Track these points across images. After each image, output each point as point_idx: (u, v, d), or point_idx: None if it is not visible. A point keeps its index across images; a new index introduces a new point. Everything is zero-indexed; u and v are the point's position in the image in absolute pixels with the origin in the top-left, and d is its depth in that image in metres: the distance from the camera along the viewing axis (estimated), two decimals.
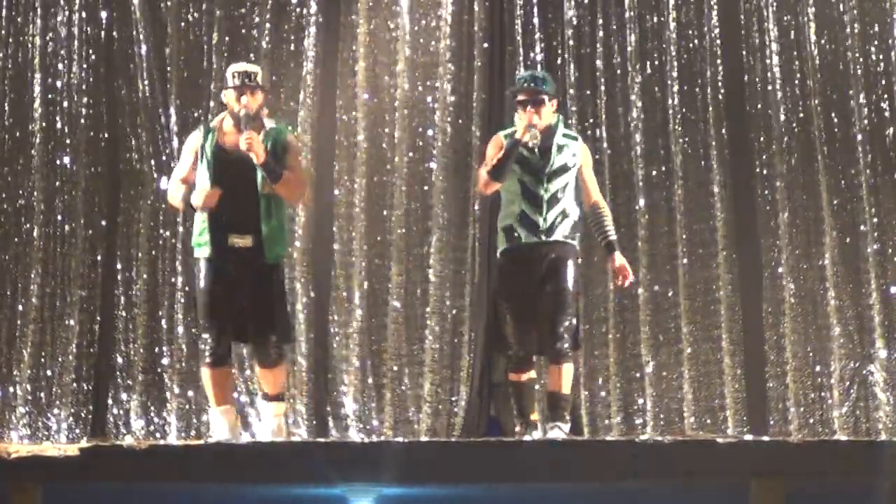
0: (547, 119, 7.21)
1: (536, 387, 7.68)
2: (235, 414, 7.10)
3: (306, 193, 7.21)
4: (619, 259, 7.31)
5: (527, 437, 7.18)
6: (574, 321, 7.16)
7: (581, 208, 7.32)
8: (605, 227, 7.35)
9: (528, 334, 7.17)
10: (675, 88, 9.33)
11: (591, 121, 9.30)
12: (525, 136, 7.10)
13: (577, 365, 7.66)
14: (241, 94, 6.99)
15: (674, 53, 9.34)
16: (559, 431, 7.06)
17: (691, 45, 9.40)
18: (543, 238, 7.14)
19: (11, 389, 8.88)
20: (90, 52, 9.23)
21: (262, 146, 6.91)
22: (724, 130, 9.33)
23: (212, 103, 9.11)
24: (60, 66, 9.19)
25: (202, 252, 6.99)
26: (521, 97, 7.24)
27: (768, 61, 9.31)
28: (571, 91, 9.32)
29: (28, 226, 9.06)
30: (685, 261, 9.21)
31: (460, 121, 9.37)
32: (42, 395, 8.92)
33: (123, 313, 9.09)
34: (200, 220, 6.98)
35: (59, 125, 9.16)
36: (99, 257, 9.15)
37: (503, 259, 7.29)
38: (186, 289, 8.93)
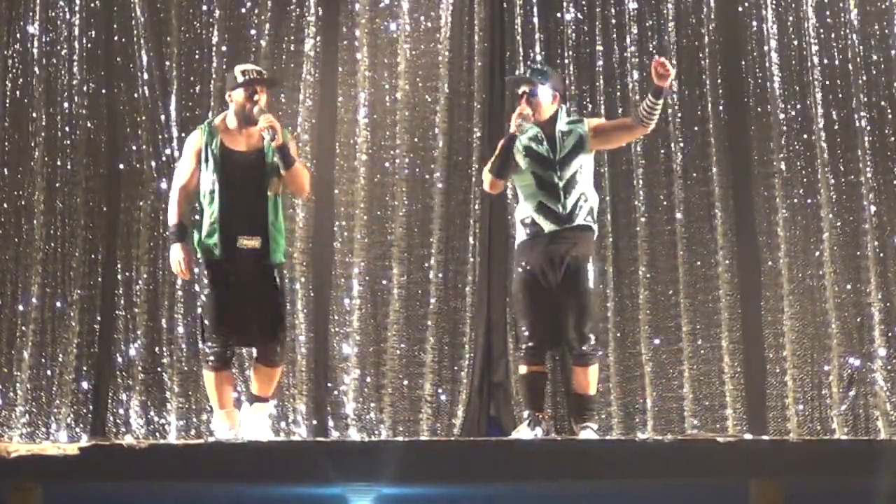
0: (547, 110, 7.22)
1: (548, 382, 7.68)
2: (237, 417, 7.09)
3: (308, 188, 7.24)
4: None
5: (526, 432, 7.17)
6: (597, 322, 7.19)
7: (598, 193, 7.35)
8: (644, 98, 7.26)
9: (542, 327, 7.17)
10: (675, 88, 9.33)
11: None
12: (513, 126, 7.13)
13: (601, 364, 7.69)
14: (255, 92, 7.01)
15: (674, 53, 9.34)
16: (591, 432, 7.12)
17: (691, 44, 9.41)
18: (565, 225, 7.13)
19: (11, 389, 8.87)
20: (90, 52, 9.22)
21: (281, 127, 6.96)
22: (724, 130, 9.33)
23: (212, 103, 9.11)
24: (60, 66, 9.18)
25: (210, 253, 6.97)
26: (517, 90, 7.31)
27: (768, 61, 9.31)
28: (571, 90, 9.33)
29: (28, 226, 9.05)
30: (685, 261, 9.21)
31: (460, 121, 9.38)
32: (42, 395, 8.91)
33: (123, 313, 9.08)
34: (209, 222, 6.95)
35: (59, 125, 9.15)
36: (99, 257, 9.15)
37: (522, 250, 7.25)
38: (186, 288, 8.93)
